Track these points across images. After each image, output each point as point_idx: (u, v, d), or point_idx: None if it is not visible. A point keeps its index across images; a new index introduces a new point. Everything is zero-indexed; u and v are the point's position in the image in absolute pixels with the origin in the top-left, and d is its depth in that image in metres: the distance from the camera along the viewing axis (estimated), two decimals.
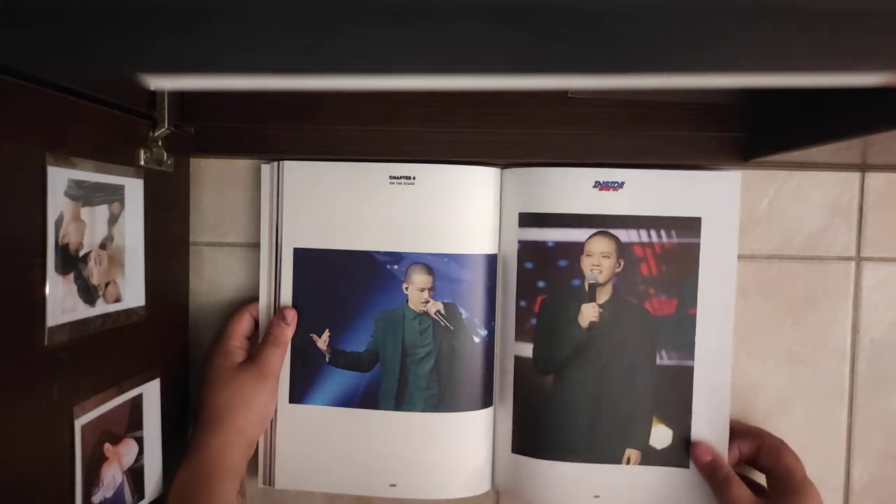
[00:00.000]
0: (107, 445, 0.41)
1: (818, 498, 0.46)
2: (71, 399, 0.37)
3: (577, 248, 0.50)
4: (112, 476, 0.42)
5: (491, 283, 0.52)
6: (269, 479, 0.52)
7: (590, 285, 0.50)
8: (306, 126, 0.50)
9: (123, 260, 0.42)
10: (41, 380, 0.35)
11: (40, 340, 0.35)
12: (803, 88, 0.26)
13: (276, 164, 0.52)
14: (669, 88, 0.48)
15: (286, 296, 0.51)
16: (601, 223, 0.50)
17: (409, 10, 0.17)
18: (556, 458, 0.50)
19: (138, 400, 0.45)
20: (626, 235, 0.50)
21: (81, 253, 0.38)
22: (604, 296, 0.50)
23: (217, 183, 0.54)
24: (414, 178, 0.50)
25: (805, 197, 0.54)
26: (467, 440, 0.51)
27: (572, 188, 0.50)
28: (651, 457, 0.50)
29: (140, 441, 0.45)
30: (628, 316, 0.50)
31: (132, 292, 0.43)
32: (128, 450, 0.44)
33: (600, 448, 0.50)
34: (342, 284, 0.51)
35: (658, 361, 0.50)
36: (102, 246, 0.40)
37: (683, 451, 0.50)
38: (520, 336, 0.51)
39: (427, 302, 0.51)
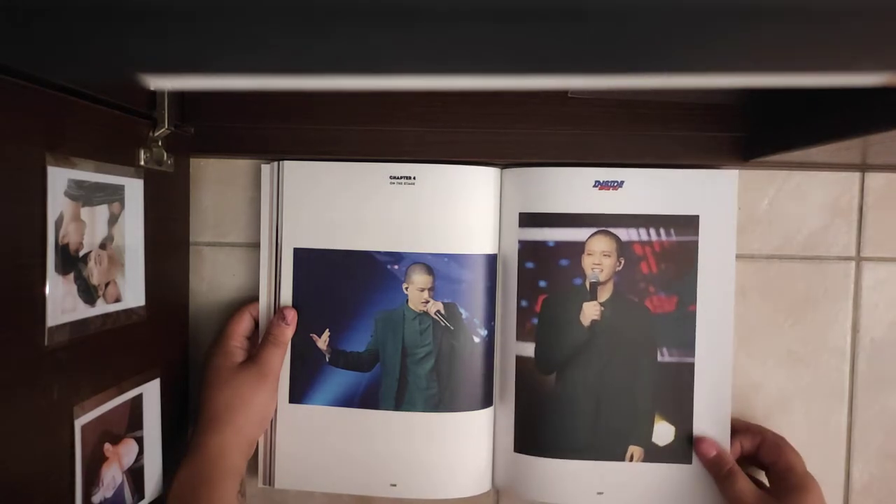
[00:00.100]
0: (107, 445, 0.41)
1: (820, 492, 0.46)
2: (71, 399, 0.37)
3: (577, 248, 0.50)
4: (112, 476, 0.42)
5: (491, 283, 0.52)
6: (269, 479, 0.52)
7: (591, 284, 0.50)
8: (306, 126, 0.50)
9: (123, 260, 0.42)
10: (41, 380, 0.35)
11: (40, 340, 0.35)
12: (803, 88, 0.26)
13: (276, 164, 0.52)
14: (669, 88, 0.48)
15: (286, 296, 0.51)
16: (601, 222, 0.50)
17: (409, 9, 0.17)
18: (560, 457, 0.50)
19: (138, 400, 0.45)
20: (626, 234, 0.50)
21: (81, 253, 0.38)
22: (605, 294, 0.50)
23: (217, 183, 0.54)
24: (414, 178, 0.50)
25: (805, 197, 0.54)
26: (467, 440, 0.51)
27: (572, 188, 0.50)
28: (653, 453, 0.50)
29: (140, 441, 0.45)
30: (629, 314, 0.50)
31: (132, 292, 0.43)
32: (128, 450, 0.44)
33: (603, 445, 0.50)
34: (342, 284, 0.51)
35: (659, 358, 0.50)
36: (102, 246, 0.40)
37: (686, 447, 0.50)
38: (521, 336, 0.51)
39: (427, 302, 0.51)
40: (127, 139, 0.43)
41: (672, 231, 0.50)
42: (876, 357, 0.54)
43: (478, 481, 0.52)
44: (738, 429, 0.51)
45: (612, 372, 0.50)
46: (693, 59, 0.21)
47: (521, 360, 0.51)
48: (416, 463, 0.51)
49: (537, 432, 0.51)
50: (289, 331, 0.50)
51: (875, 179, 0.54)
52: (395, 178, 0.51)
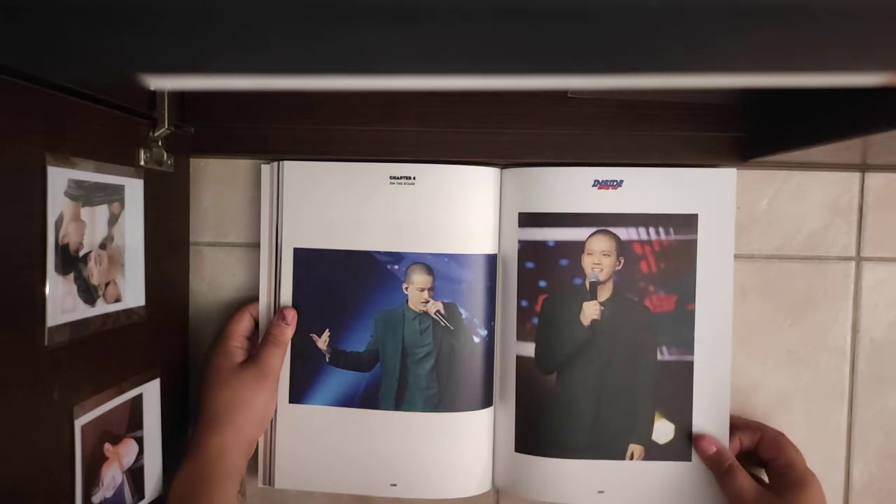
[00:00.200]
0: (107, 445, 0.41)
1: (819, 488, 0.47)
2: (71, 399, 0.37)
3: (577, 247, 0.50)
4: (112, 476, 0.42)
5: (491, 283, 0.52)
6: (269, 479, 0.52)
7: (591, 284, 0.50)
8: (306, 126, 0.50)
9: (123, 260, 0.42)
10: (41, 380, 0.35)
11: (40, 340, 0.35)
12: (803, 88, 0.26)
13: (276, 164, 0.52)
14: (669, 88, 0.48)
15: (286, 296, 0.51)
16: (601, 222, 0.50)
17: (409, 9, 0.17)
18: (560, 456, 0.50)
19: (138, 400, 0.45)
20: (625, 233, 0.50)
21: (81, 253, 0.38)
22: (605, 294, 0.50)
23: (217, 183, 0.54)
24: (414, 178, 0.50)
25: (805, 197, 0.54)
26: (467, 440, 0.51)
27: (572, 187, 0.50)
28: (654, 452, 0.50)
29: (140, 441, 0.45)
30: (629, 313, 0.50)
31: (132, 292, 0.43)
32: (128, 450, 0.44)
33: (604, 444, 0.50)
34: (342, 284, 0.51)
35: (659, 357, 0.50)
36: (102, 246, 0.40)
37: (685, 444, 0.50)
38: (521, 336, 0.51)
39: (427, 302, 0.51)
40: (127, 139, 0.43)
41: (671, 230, 0.50)
42: (876, 357, 0.54)
43: (478, 481, 0.52)
44: (738, 426, 0.51)
45: (612, 371, 0.50)
46: (693, 59, 0.21)
47: (521, 360, 0.51)
48: (417, 463, 0.51)
49: (538, 432, 0.51)
50: (289, 331, 0.50)
51: (875, 179, 0.54)
52: (394, 178, 0.51)
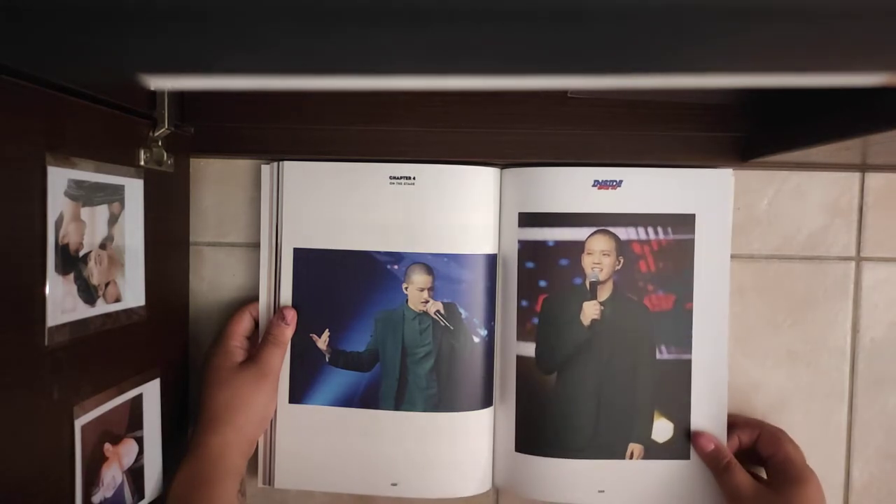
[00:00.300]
0: (107, 445, 0.41)
1: (818, 484, 0.47)
2: (71, 399, 0.37)
3: (577, 247, 0.50)
4: (112, 476, 0.42)
5: (491, 282, 0.52)
6: (269, 479, 0.52)
7: (591, 283, 0.50)
8: (306, 126, 0.50)
9: (123, 260, 0.42)
10: (41, 380, 0.35)
11: (40, 340, 0.35)
12: (803, 88, 0.26)
13: (276, 164, 0.52)
14: (669, 88, 0.48)
15: (286, 296, 0.51)
16: (601, 221, 0.50)
17: (410, 10, 0.17)
18: (560, 456, 0.50)
19: (138, 400, 0.45)
20: (624, 233, 0.50)
21: (81, 253, 0.38)
22: (604, 293, 0.50)
23: (217, 183, 0.54)
24: (414, 178, 0.50)
25: (805, 197, 0.54)
26: (467, 440, 0.51)
27: (571, 187, 0.50)
28: (653, 450, 0.50)
29: (140, 441, 0.45)
30: (629, 312, 0.50)
31: (132, 292, 0.43)
32: (128, 450, 0.44)
33: (604, 444, 0.50)
34: (342, 284, 0.51)
35: (658, 356, 0.50)
36: (102, 246, 0.40)
37: (684, 443, 0.50)
38: (522, 336, 0.51)
39: (427, 302, 0.51)
40: (127, 139, 0.43)
41: (669, 230, 0.50)
42: (876, 357, 0.54)
43: (478, 481, 0.52)
44: (737, 423, 0.51)
45: (612, 371, 0.50)
46: (693, 59, 0.21)
47: (521, 360, 0.51)
48: (417, 462, 0.51)
49: (538, 432, 0.51)
50: (289, 331, 0.50)
51: (875, 179, 0.54)
52: (395, 178, 0.51)
